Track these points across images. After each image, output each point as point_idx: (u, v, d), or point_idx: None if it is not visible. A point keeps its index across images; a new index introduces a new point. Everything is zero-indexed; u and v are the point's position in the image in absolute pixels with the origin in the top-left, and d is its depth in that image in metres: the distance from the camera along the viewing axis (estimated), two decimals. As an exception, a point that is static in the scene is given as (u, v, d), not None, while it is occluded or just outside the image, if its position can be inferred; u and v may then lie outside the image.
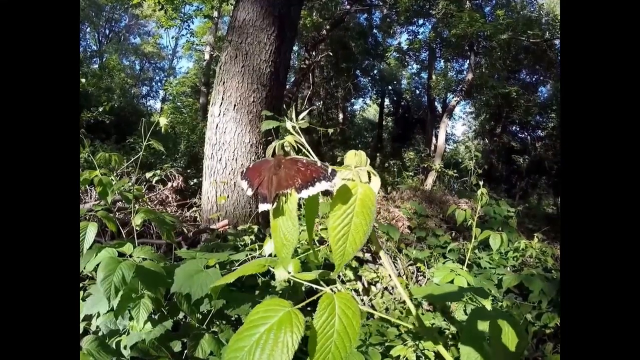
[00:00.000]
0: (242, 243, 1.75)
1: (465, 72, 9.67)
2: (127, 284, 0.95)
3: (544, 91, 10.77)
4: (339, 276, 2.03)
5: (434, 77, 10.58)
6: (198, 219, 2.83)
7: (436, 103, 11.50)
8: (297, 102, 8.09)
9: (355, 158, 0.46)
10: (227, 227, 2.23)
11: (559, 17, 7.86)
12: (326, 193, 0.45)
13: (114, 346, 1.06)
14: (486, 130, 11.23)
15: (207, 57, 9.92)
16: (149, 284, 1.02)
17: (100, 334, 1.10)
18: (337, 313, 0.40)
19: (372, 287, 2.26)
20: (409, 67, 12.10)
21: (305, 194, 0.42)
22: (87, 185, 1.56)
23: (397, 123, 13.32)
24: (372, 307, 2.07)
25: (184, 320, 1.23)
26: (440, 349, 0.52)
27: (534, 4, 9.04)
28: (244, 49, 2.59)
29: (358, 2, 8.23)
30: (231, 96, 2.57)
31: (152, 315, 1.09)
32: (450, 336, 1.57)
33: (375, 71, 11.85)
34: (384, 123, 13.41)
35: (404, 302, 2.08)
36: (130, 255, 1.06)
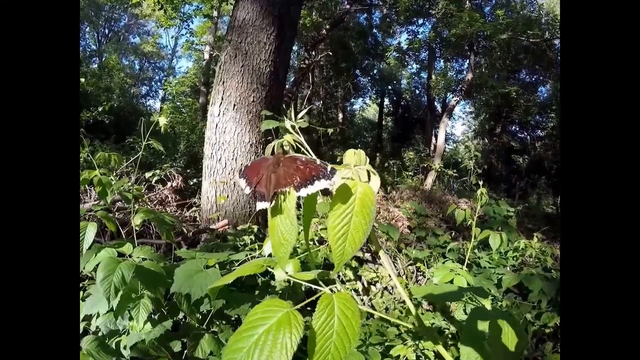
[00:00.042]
0: (242, 243, 1.75)
1: (465, 72, 9.67)
2: (127, 284, 0.95)
3: (543, 91, 10.78)
4: (338, 276, 2.03)
5: (433, 76, 10.57)
6: (198, 218, 2.83)
7: (436, 103, 11.51)
8: (297, 102, 8.09)
9: (355, 157, 0.46)
10: (226, 227, 2.23)
11: (558, 17, 7.86)
12: (326, 193, 0.45)
13: (113, 346, 1.06)
14: (486, 130, 11.23)
15: (206, 56, 9.91)
16: (148, 284, 1.02)
17: (100, 334, 1.10)
18: (336, 313, 0.40)
19: (372, 287, 2.26)
20: (409, 66, 12.11)
21: (304, 192, 0.42)
22: (86, 185, 1.56)
23: (396, 123, 13.32)
24: (372, 306, 2.07)
25: (183, 320, 1.23)
26: (440, 348, 0.52)
27: (533, 3, 9.05)
28: (244, 48, 2.59)
29: (358, 1, 8.23)
30: (231, 96, 2.57)
31: (152, 316, 1.09)
32: (450, 336, 1.57)
33: (375, 71, 11.85)
34: (383, 123, 13.41)
35: (403, 301, 2.08)
36: (130, 256, 1.06)
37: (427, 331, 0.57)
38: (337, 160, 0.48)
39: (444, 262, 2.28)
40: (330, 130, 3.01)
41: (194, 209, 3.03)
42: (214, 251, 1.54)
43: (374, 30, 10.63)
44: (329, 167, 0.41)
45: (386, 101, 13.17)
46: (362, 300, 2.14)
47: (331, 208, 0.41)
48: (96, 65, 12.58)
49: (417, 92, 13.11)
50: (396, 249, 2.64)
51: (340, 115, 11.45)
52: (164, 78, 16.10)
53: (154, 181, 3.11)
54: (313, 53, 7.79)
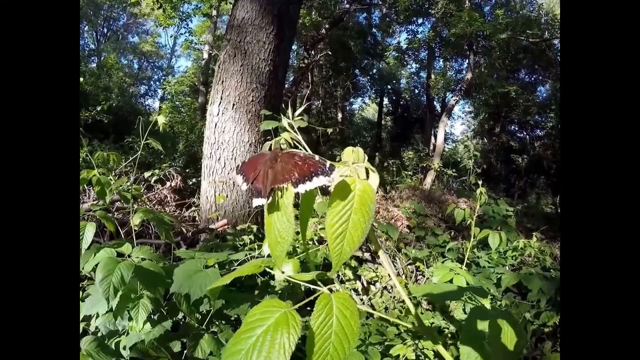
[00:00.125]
0: (241, 243, 1.75)
1: (464, 72, 9.68)
2: (126, 284, 0.94)
3: (542, 91, 10.79)
4: (338, 276, 2.03)
5: (433, 76, 10.58)
6: (197, 218, 2.83)
7: (435, 102, 11.51)
8: (296, 101, 8.08)
9: (353, 155, 0.46)
10: (226, 226, 2.23)
11: (558, 17, 7.87)
12: (326, 192, 0.44)
13: (113, 347, 1.06)
14: (485, 129, 11.24)
15: (205, 56, 9.89)
16: (148, 284, 1.01)
17: (99, 334, 1.10)
18: (335, 313, 0.39)
19: (372, 287, 2.26)
20: (408, 66, 12.10)
21: (302, 188, 0.41)
22: (85, 185, 1.55)
23: (396, 122, 13.32)
24: (372, 306, 2.07)
25: (183, 320, 1.23)
26: (440, 348, 0.52)
27: (533, 3, 9.06)
28: (243, 47, 2.58)
29: (357, 1, 8.22)
30: (230, 95, 2.57)
31: (152, 316, 1.09)
32: (449, 335, 1.57)
33: (374, 70, 11.84)
34: (382, 122, 13.40)
35: (403, 301, 2.08)
36: (129, 256, 1.06)
37: (426, 330, 0.57)
38: (337, 159, 0.47)
39: (443, 262, 2.29)
40: (329, 130, 3.00)
41: (193, 208, 3.03)
42: (213, 251, 1.54)
43: (374, 30, 10.62)
44: (328, 163, 0.41)
45: (385, 101, 13.17)
46: (361, 299, 2.14)
47: (329, 205, 0.40)
48: (95, 65, 12.54)
49: (417, 91, 13.11)
50: (395, 249, 2.64)
51: (340, 115, 11.45)
52: (163, 77, 16.08)
53: (152, 181, 3.10)
54: (312, 52, 7.79)
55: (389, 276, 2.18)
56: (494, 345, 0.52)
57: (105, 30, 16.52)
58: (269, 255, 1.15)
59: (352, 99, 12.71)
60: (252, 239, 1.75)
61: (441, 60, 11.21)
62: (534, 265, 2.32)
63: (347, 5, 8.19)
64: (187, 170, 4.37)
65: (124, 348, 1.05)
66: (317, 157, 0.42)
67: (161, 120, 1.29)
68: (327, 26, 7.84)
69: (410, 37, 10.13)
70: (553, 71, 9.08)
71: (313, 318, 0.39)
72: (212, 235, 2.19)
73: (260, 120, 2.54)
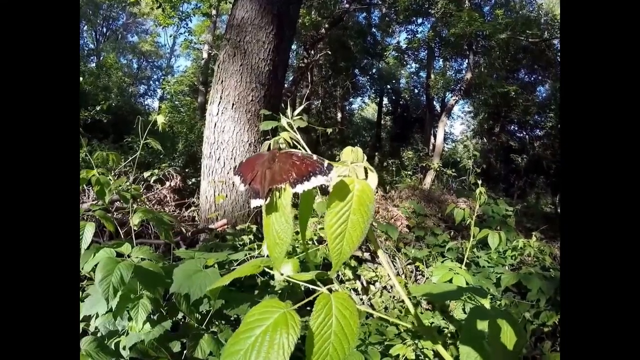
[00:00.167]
0: (241, 243, 1.75)
1: (464, 72, 9.68)
2: (126, 285, 0.94)
3: (542, 91, 10.80)
4: (337, 275, 2.03)
5: (432, 76, 10.58)
6: (196, 218, 2.82)
7: (435, 102, 11.51)
8: (296, 101, 8.07)
9: (352, 154, 0.46)
10: (225, 226, 2.22)
11: (557, 17, 7.87)
12: (325, 192, 0.44)
13: (113, 347, 1.06)
14: (485, 129, 11.24)
15: (205, 55, 9.88)
16: (147, 284, 1.01)
17: (99, 334, 1.09)
18: (334, 313, 0.39)
19: (371, 286, 2.26)
20: (408, 66, 12.09)
21: (300, 188, 0.41)
22: (84, 185, 1.55)
23: (395, 122, 13.31)
24: (371, 306, 2.07)
25: (183, 320, 1.23)
26: (439, 348, 0.52)
27: (532, 3, 9.06)
28: (243, 47, 2.58)
29: (357, 1, 8.22)
30: (229, 95, 2.56)
31: (151, 316, 1.08)
32: (449, 335, 1.57)
33: (373, 70, 11.83)
34: (382, 122, 13.40)
35: (403, 301, 2.08)
36: (129, 256, 1.05)
37: (426, 330, 0.57)
38: (336, 159, 0.47)
39: (442, 261, 2.29)
40: (329, 130, 3.00)
41: (192, 208, 3.03)
42: (213, 251, 1.54)
43: (373, 30, 10.61)
44: (326, 162, 0.40)
45: (385, 100, 13.17)
46: (361, 299, 2.14)
47: (328, 206, 0.40)
48: (94, 64, 12.52)
49: (416, 91, 13.11)
50: (395, 248, 2.65)
51: (339, 115, 11.44)
52: (162, 77, 16.06)
53: (152, 181, 3.10)
54: (312, 52, 7.78)
55: (389, 276, 2.18)
56: (494, 344, 0.52)
57: (104, 29, 16.50)
58: (268, 255, 1.15)
59: (351, 99, 12.71)
60: (252, 238, 1.75)
61: (441, 60, 11.22)
62: (534, 264, 2.32)
63: (347, 5, 8.19)
64: (186, 170, 4.37)
65: (124, 348, 1.05)
66: (314, 157, 0.42)
67: (160, 120, 1.29)
68: (326, 26, 7.83)
69: (409, 36, 10.14)
70: (552, 71, 9.08)
71: (312, 318, 0.39)
72: (211, 235, 2.19)
73: (259, 120, 2.54)
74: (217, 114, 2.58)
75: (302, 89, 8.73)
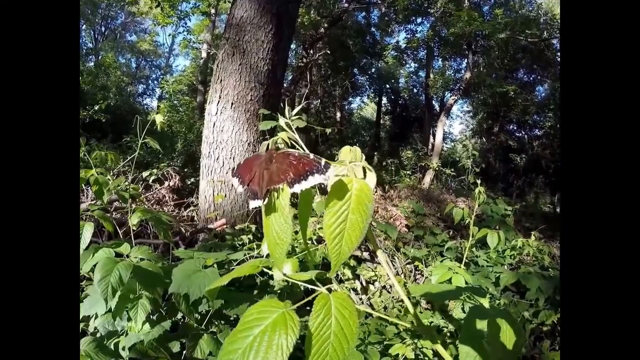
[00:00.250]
0: (240, 242, 1.75)
1: (463, 71, 9.68)
2: (125, 285, 0.94)
3: (541, 90, 10.81)
4: (336, 275, 2.03)
5: (431, 75, 10.58)
6: (195, 218, 2.82)
7: (434, 102, 11.51)
8: (295, 101, 8.07)
9: (350, 154, 0.45)
10: (224, 226, 2.22)
11: (557, 17, 7.88)
12: (324, 192, 0.44)
13: (112, 347, 1.05)
14: (483, 129, 11.26)
15: (204, 55, 9.85)
16: (146, 285, 1.01)
17: (98, 335, 1.09)
18: (334, 314, 0.39)
19: (371, 286, 2.27)
20: (407, 65, 12.08)
21: (298, 188, 0.40)
22: (83, 185, 1.55)
23: (394, 122, 13.32)
24: (371, 305, 2.07)
25: (182, 320, 1.23)
26: (439, 347, 0.52)
27: (532, 3, 9.07)
28: (242, 46, 2.57)
29: (356, 0, 8.21)
30: (228, 94, 2.56)
31: (151, 316, 1.08)
32: (448, 334, 1.57)
33: (373, 70, 11.83)
34: (381, 122, 13.40)
35: (402, 300, 2.08)
36: (128, 256, 1.05)
37: (425, 330, 0.57)
38: (335, 159, 0.47)
39: (442, 261, 2.29)
40: (328, 130, 3.00)
41: (191, 208, 3.02)
42: (212, 251, 1.53)
43: (372, 29, 10.61)
44: (323, 161, 0.40)
45: (384, 100, 13.17)
46: (360, 299, 2.14)
47: (326, 205, 0.40)
48: (92, 64, 12.47)
49: (415, 90, 13.11)
50: (394, 248, 2.65)
51: (338, 114, 11.43)
52: (161, 76, 16.03)
53: (151, 180, 3.09)
54: (311, 52, 7.78)
55: (388, 275, 2.18)
56: (493, 344, 0.52)
57: (103, 29, 16.45)
58: (267, 255, 1.15)
59: (350, 98, 12.70)
60: (251, 238, 1.75)
61: (440, 59, 11.22)
62: (533, 264, 2.32)
63: (346, 5, 8.18)
64: (185, 170, 4.36)
65: (123, 349, 1.05)
66: (312, 156, 0.42)
67: (159, 119, 1.29)
68: (325, 25, 7.83)
69: (409, 36, 10.13)
70: (552, 71, 9.10)
71: (311, 318, 0.39)
72: (210, 234, 2.19)
73: (258, 120, 2.54)
74: (216, 113, 2.57)
75: (301, 88, 8.73)
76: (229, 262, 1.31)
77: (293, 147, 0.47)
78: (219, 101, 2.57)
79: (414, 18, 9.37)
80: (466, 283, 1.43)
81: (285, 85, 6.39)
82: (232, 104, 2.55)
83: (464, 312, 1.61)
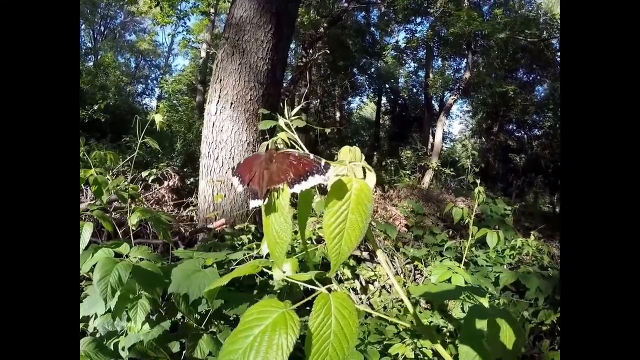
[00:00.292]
0: (240, 242, 1.74)
1: (462, 71, 9.69)
2: (124, 285, 0.94)
3: (540, 90, 10.83)
4: (336, 275, 2.03)
5: (431, 75, 10.58)
6: (195, 218, 2.82)
7: (433, 101, 11.52)
8: (294, 100, 8.06)
9: (350, 154, 0.45)
10: (224, 226, 2.22)
11: (556, 17, 7.89)
12: (324, 192, 0.44)
13: (112, 348, 1.05)
14: (483, 128, 11.27)
15: (203, 54, 9.84)
16: (146, 285, 1.01)
17: (97, 335, 1.09)
18: (333, 313, 0.39)
19: (370, 286, 2.27)
20: (407, 65, 12.09)
21: (298, 188, 0.41)
22: (82, 185, 1.54)
23: (394, 121, 13.32)
24: (370, 305, 2.07)
25: (182, 320, 1.22)
26: (438, 347, 0.52)
27: (531, 3, 9.07)
28: (241, 46, 2.57)
29: (356, 0, 8.20)
30: (228, 94, 2.56)
31: (150, 316, 1.08)
32: (447, 334, 1.57)
33: (372, 69, 11.83)
34: (381, 121, 13.41)
35: (401, 300, 2.08)
36: (127, 256, 1.05)
37: (425, 329, 0.57)
38: (335, 158, 0.47)
39: (441, 261, 2.29)
40: (327, 130, 3.00)
41: (191, 208, 3.02)
42: (211, 251, 1.53)
43: (372, 29, 10.61)
44: (323, 161, 0.40)
45: (384, 100, 13.17)
46: (360, 299, 2.14)
47: (326, 205, 0.40)
48: (92, 63, 12.44)
49: (415, 90, 13.11)
50: (394, 248, 2.65)
51: (338, 114, 11.43)
52: (160, 76, 15.99)
53: (150, 180, 3.09)
54: (310, 51, 7.77)
55: (387, 275, 2.18)
56: (493, 344, 0.52)
57: (102, 28, 16.41)
58: (267, 255, 1.15)
59: (350, 98, 12.70)
60: (251, 238, 1.75)
61: (439, 59, 11.22)
62: (532, 264, 2.33)
63: (346, 4, 8.18)
64: (184, 170, 4.36)
65: (123, 349, 1.04)
66: (312, 156, 0.42)
67: (158, 119, 1.28)
68: (325, 25, 7.82)
69: (408, 36, 10.13)
70: (551, 71, 9.11)
71: (311, 318, 0.39)
72: (210, 234, 2.19)
73: (258, 119, 2.53)
74: (216, 113, 2.57)
75: (301, 88, 8.72)
76: (229, 262, 1.31)
77: (293, 147, 0.47)
78: (218, 101, 2.57)
79: (413, 18, 9.37)
80: (465, 283, 1.43)
81: (284, 84, 6.39)
82: (231, 103, 2.55)
83: (463, 311, 1.61)
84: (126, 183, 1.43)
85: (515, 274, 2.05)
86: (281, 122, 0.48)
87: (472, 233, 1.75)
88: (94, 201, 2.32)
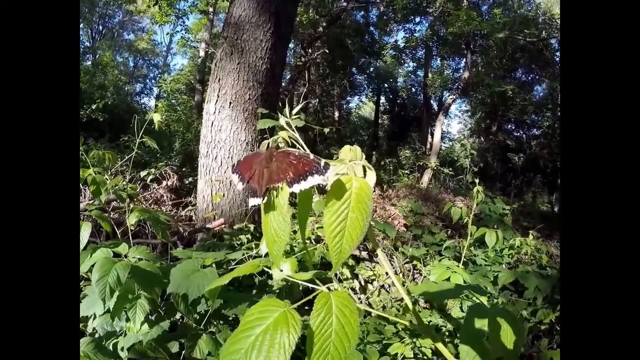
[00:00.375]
0: (239, 242, 1.74)
1: (461, 71, 9.70)
2: (122, 285, 0.93)
3: (539, 90, 10.86)
4: (336, 274, 2.03)
5: (430, 75, 10.60)
6: (193, 218, 2.81)
7: (432, 101, 11.54)
8: (293, 100, 8.06)
9: (350, 153, 0.45)
10: (223, 226, 2.22)
11: (555, 17, 7.91)
12: (323, 191, 0.44)
13: (111, 348, 1.05)
14: (482, 128, 11.30)
15: (202, 54, 9.81)
16: (145, 285, 1.00)
17: (97, 335, 1.09)
18: (335, 312, 0.39)
19: (369, 285, 2.27)
20: (405, 65, 12.08)
21: (297, 188, 0.41)
22: (80, 185, 1.54)
23: (393, 121, 13.33)
24: (369, 305, 2.07)
25: (181, 320, 1.22)
26: (439, 345, 0.52)
27: (530, 3, 9.09)
28: (240, 45, 2.57)
29: (355, -1, 8.20)
30: (227, 93, 2.55)
31: (149, 316, 1.08)
32: (447, 333, 1.58)
33: (371, 69, 11.83)
34: (379, 121, 13.41)
35: (400, 299, 2.09)
36: (126, 256, 1.04)
37: (424, 329, 0.57)
38: (334, 158, 0.47)
39: (440, 260, 2.30)
40: (326, 129, 3.00)
41: (189, 208, 3.01)
42: (210, 250, 1.53)
43: (371, 28, 10.60)
44: (323, 161, 0.40)
45: (382, 99, 13.18)
46: (359, 298, 2.15)
47: (326, 204, 0.40)
48: (90, 63, 12.40)
49: (414, 90, 13.12)
50: (393, 247, 2.65)
51: (337, 114, 11.44)
52: (159, 75, 15.93)
53: (148, 180, 3.08)
54: (309, 51, 7.77)
55: (387, 274, 2.18)
56: (494, 343, 0.52)
57: (100, 27, 16.33)
58: (266, 255, 1.15)
59: (349, 98, 12.71)
60: (249, 238, 1.75)
61: (438, 59, 11.23)
62: (531, 263, 2.34)
63: (345, 4, 8.18)
64: (183, 169, 4.35)
65: (122, 349, 1.04)
66: (312, 156, 0.42)
67: (157, 118, 1.28)
68: (324, 24, 7.81)
69: (407, 35, 10.12)
70: (550, 70, 9.14)
71: (312, 317, 0.39)
72: (209, 234, 2.18)
73: (257, 119, 2.53)
74: (214, 112, 2.56)
75: (300, 87, 8.72)
76: (228, 262, 1.30)
77: (294, 146, 0.47)
78: (217, 100, 2.56)
79: (412, 17, 9.37)
80: (464, 282, 1.44)
81: (283, 84, 6.38)
82: (230, 103, 2.54)
83: (462, 311, 1.62)
84: (124, 183, 1.42)
85: (514, 273, 2.06)
86: (282, 120, 0.48)
87: (471, 232, 1.76)
88: (92, 201, 2.31)
